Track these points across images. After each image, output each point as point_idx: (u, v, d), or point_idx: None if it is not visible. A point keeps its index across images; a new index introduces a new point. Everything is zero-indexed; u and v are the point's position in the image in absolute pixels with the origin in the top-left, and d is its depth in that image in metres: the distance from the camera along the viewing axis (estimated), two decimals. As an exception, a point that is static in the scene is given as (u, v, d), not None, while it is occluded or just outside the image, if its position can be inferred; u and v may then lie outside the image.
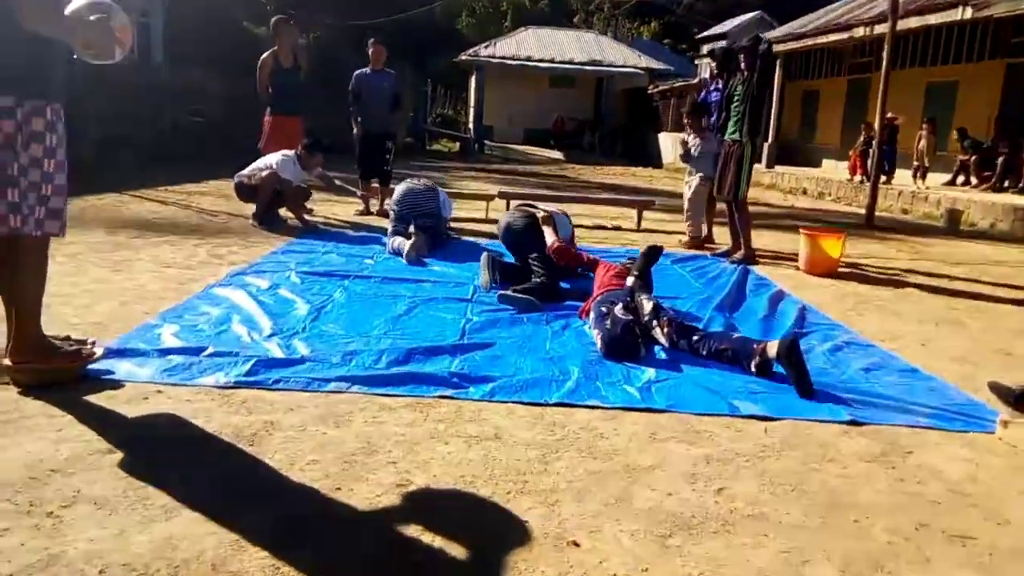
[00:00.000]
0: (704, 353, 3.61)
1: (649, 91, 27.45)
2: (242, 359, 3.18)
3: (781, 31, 20.96)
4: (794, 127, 21.03)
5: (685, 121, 7.87)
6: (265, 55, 7.73)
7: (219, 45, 22.75)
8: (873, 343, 4.18)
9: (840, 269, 6.34)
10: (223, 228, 6.70)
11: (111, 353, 3.11)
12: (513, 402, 2.98)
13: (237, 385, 2.93)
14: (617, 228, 8.52)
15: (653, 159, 25.11)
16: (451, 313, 4.24)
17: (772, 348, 3.38)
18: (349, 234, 6.93)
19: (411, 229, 5.99)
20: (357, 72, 8.34)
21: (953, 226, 10.56)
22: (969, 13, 11.13)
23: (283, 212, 7.11)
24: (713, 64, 7.67)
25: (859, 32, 14.18)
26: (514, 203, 6.30)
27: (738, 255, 6.63)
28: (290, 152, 7.00)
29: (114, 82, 14.19)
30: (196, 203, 8.24)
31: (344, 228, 7.31)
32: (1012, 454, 2.81)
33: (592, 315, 4.03)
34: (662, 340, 3.78)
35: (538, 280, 4.74)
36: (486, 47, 29.84)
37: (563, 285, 4.94)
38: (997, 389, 3.12)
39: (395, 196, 6.40)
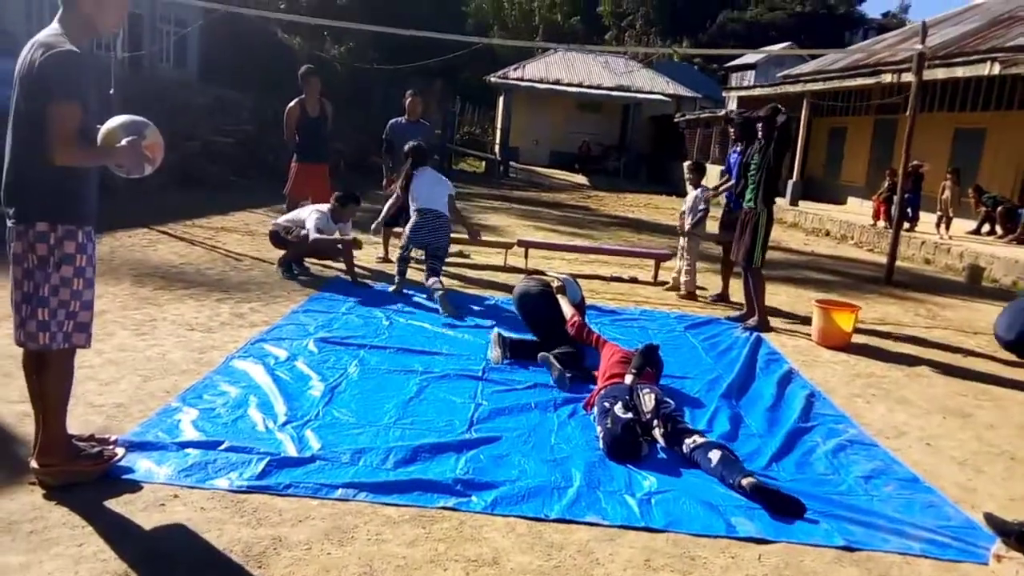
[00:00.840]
0: (693, 463, 3.66)
1: (675, 119, 27.50)
2: (255, 457, 3.30)
3: (809, 67, 20.99)
4: (820, 164, 20.99)
5: (688, 176, 8.09)
6: (292, 104, 7.92)
7: (252, 59, 23.16)
8: (877, 442, 4.23)
9: (854, 339, 6.37)
10: (246, 279, 6.86)
11: (131, 447, 3.25)
12: (514, 516, 3.07)
13: (250, 490, 3.05)
14: (634, 280, 8.58)
15: (677, 186, 25.11)
16: (460, 396, 4.34)
17: (746, 485, 3.39)
18: (369, 286, 7.04)
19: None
20: (392, 121, 8.41)
21: (974, 282, 10.51)
22: (997, 69, 11.11)
23: (308, 260, 7.28)
24: (731, 128, 7.78)
25: (886, 78, 14.16)
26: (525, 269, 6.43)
27: (751, 322, 6.68)
28: (324, 207, 7.12)
29: (146, 101, 14.56)
30: (222, 243, 8.43)
31: (366, 277, 7.43)
32: (1001, 594, 2.85)
33: (596, 409, 4.12)
34: (659, 440, 3.85)
35: (567, 350, 4.92)
36: (515, 69, 30.10)
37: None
38: (995, 524, 3.16)
39: (411, 225, 6.76)
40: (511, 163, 27.71)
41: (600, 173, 28.01)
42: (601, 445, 3.79)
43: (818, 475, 3.74)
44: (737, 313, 7.06)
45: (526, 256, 8.79)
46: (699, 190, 7.90)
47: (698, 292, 8.06)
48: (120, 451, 3.12)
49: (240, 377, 4.33)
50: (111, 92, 9.94)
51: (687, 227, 7.84)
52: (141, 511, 2.82)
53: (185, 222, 9.55)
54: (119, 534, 2.65)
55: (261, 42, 21.47)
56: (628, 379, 4.16)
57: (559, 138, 31.18)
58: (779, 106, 6.70)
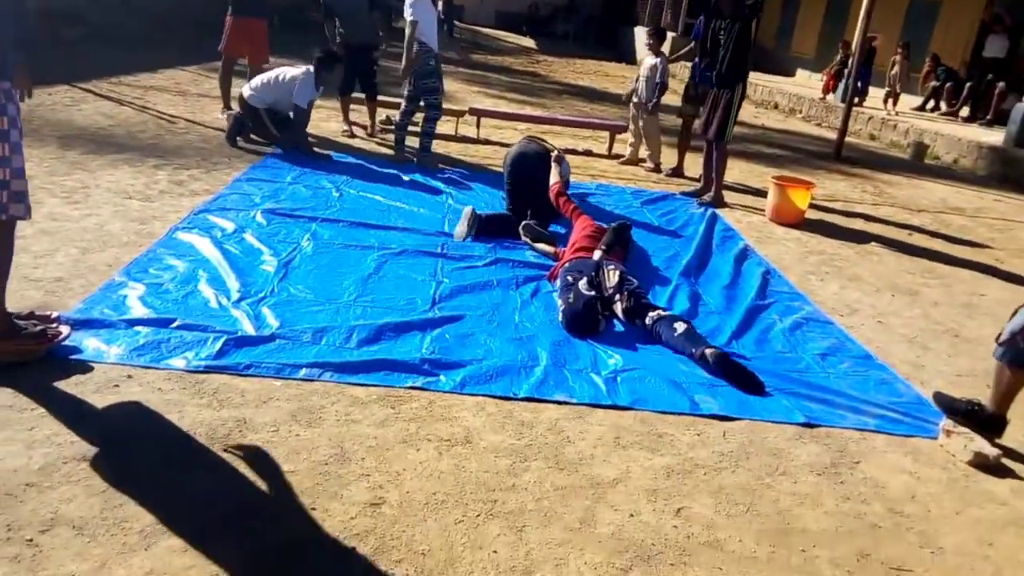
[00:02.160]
0: (655, 336, 3.70)
1: (627, -20, 26.41)
2: (212, 336, 3.16)
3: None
4: (771, 35, 20.59)
5: (647, 42, 7.75)
6: (227, -51, 7.22)
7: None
8: (832, 320, 4.31)
9: (807, 215, 6.42)
10: (182, 143, 6.44)
11: (75, 325, 3.06)
12: (483, 395, 3.04)
13: (208, 370, 2.93)
14: (588, 153, 8.40)
15: (627, 54, 24.46)
16: (421, 273, 4.23)
17: (709, 355, 3.45)
18: (318, 157, 6.70)
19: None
20: None
21: (918, 159, 10.66)
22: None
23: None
24: None
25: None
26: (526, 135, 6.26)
27: (707, 197, 6.65)
28: (308, 68, 6.56)
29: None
30: (153, 104, 7.86)
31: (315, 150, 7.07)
32: (951, 467, 2.98)
33: (559, 282, 4.07)
34: (620, 315, 3.85)
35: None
36: (459, -82, 28.14)
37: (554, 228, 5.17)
38: (943, 402, 3.27)
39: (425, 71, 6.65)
40: (455, 23, 26.42)
41: (549, 36, 27.01)
42: (560, 318, 3.78)
43: (776, 352, 3.81)
44: (692, 188, 7.01)
45: (478, 125, 8.48)
46: (658, 59, 7.62)
47: (645, 165, 7.96)
48: (64, 329, 2.93)
49: (186, 250, 4.10)
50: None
51: (648, 101, 7.59)
52: (94, 392, 2.68)
53: (110, 79, 8.84)
54: (73, 417, 2.53)
55: None
56: (596, 255, 4.09)
57: (506, -3, 29.77)
58: None
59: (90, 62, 9.65)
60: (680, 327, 3.67)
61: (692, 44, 7.36)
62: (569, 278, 4.00)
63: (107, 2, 13.68)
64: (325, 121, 8.12)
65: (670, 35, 21.99)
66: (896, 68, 13.21)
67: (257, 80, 6.66)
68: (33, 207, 4.31)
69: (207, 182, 5.42)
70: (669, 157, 7.93)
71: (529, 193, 5.22)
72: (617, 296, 3.89)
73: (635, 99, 7.77)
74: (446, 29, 24.40)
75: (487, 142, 8.25)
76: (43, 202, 4.52)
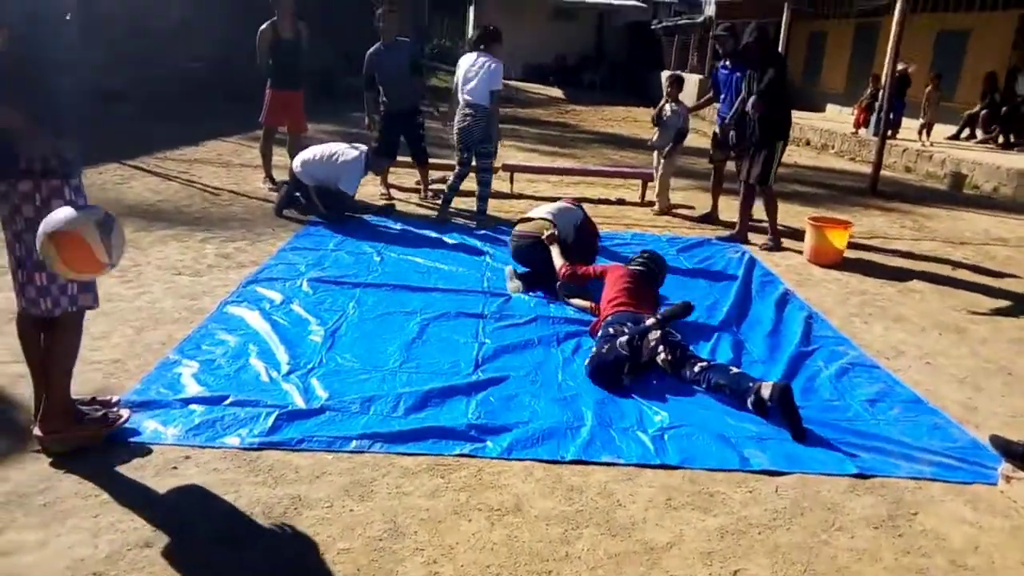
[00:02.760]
0: (704, 387, 3.71)
1: (652, 27, 26.80)
2: (264, 411, 3.24)
3: (789, -32, 20.34)
4: (798, 71, 20.65)
5: (667, 89, 7.87)
6: (264, 26, 7.52)
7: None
8: (878, 363, 4.26)
9: (846, 254, 6.37)
10: (227, 215, 6.67)
11: (134, 407, 3.17)
12: (531, 460, 3.07)
13: (262, 447, 3.00)
14: (621, 202, 8.48)
15: (655, 98, 24.64)
16: (463, 335, 4.29)
17: (766, 389, 3.47)
18: (357, 221, 6.88)
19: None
20: (370, 52, 7.40)
21: (956, 189, 10.52)
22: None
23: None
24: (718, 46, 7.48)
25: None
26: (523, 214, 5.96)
27: (767, 241, 6.68)
28: (360, 155, 6.73)
29: (110, 27, 13.84)
30: (198, 177, 8.16)
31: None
32: (1013, 514, 2.91)
33: (600, 333, 4.11)
34: (664, 366, 3.85)
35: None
36: (485, -24, 28.95)
37: None
38: (1000, 445, 3.20)
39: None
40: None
41: (576, 85, 27.39)
42: (587, 362, 3.86)
43: (824, 401, 3.77)
44: (727, 232, 7.02)
45: (511, 180, 8.62)
46: (679, 106, 7.77)
47: (684, 211, 8.01)
48: (124, 412, 3.04)
49: (237, 324, 4.23)
50: (67, 18, 9.40)
51: (665, 146, 7.78)
52: (153, 476, 2.76)
53: (156, 155, 9.21)
54: (134, 501, 2.61)
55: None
56: (650, 321, 4.04)
57: (533, 49, 30.27)
58: (765, 27, 6.55)
59: (138, 138, 10.07)
60: (733, 369, 3.76)
61: (710, 93, 7.49)
62: (611, 330, 4.02)
63: (154, 76, 14.28)
64: (363, 185, 8.31)
65: (696, 78, 22.23)
66: (927, 98, 13.13)
67: (309, 154, 6.77)
68: (89, 288, 4.55)
69: (253, 253, 5.59)
70: (703, 201, 7.96)
71: (546, 274, 5.15)
72: (661, 348, 3.89)
73: (651, 144, 7.93)
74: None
75: (520, 196, 8.37)
76: (99, 282, 4.68)
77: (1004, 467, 3.14)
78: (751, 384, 3.56)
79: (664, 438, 3.28)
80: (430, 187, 8.08)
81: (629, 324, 4.03)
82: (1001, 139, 12.78)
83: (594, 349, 3.96)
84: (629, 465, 3.06)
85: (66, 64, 2.78)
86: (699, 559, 2.52)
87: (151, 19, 16.40)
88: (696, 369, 3.76)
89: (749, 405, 3.52)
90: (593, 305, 4.70)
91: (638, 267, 4.77)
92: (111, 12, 13.62)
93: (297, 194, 6.79)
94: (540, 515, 2.70)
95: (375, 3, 7.90)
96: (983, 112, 12.93)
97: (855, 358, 4.32)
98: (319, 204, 6.68)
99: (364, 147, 6.80)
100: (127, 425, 3.02)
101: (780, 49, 16.59)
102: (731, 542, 2.62)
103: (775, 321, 4.84)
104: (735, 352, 4.31)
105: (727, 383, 3.63)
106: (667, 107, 7.79)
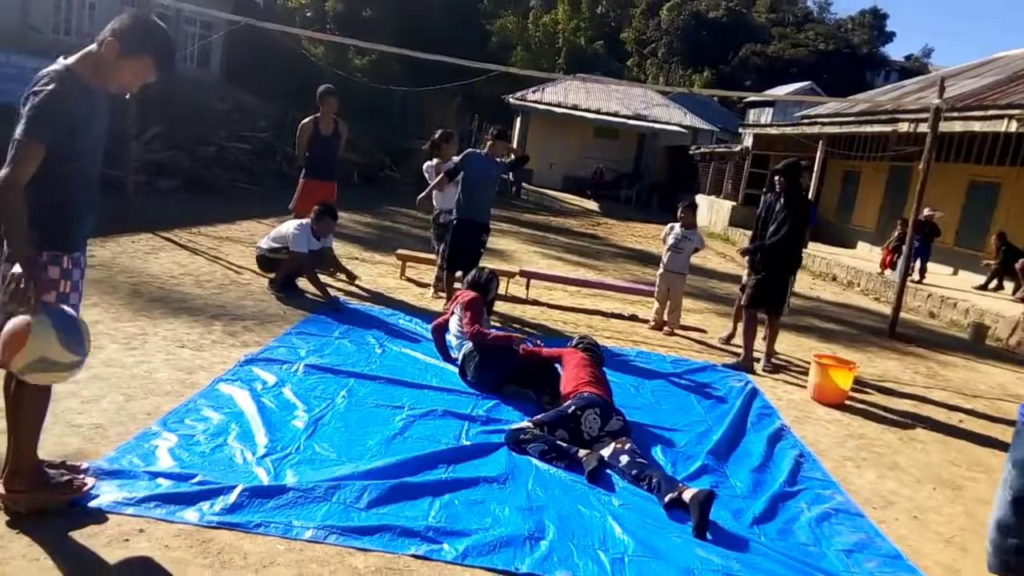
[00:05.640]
0: (633, 474, 3.98)
1: (691, 151, 27.53)
2: (227, 490, 3.26)
3: (827, 108, 20.97)
4: (832, 207, 20.94)
5: (680, 214, 8.10)
6: (306, 121, 7.95)
7: (274, 66, 23.32)
8: (863, 512, 4.15)
9: (851, 395, 6.30)
10: (244, 294, 6.85)
11: (103, 474, 3.21)
12: (484, 568, 3.02)
13: (220, 525, 3.01)
14: (634, 318, 8.54)
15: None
16: (446, 436, 4.29)
17: (688, 494, 3.68)
18: (371, 312, 7.03)
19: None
20: (471, 151, 7.65)
21: (978, 341, 10.41)
22: (1014, 127, 11.05)
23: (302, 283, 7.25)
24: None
25: (903, 127, 14.13)
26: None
27: (765, 364, 6.83)
28: (304, 221, 7.18)
29: (166, 103, 14.64)
30: (225, 254, 8.43)
31: (366, 302, 7.42)
32: None
33: (569, 404, 4.48)
34: (605, 453, 4.12)
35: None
36: (534, 91, 30.23)
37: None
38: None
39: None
40: (523, 184, 27.75)
41: (612, 200, 28.04)
42: (534, 420, 4.40)
43: (799, 544, 3.67)
44: (734, 360, 7.00)
45: (527, 287, 8.76)
46: (694, 231, 8.06)
47: (696, 334, 8.04)
48: (90, 481, 3.08)
49: (224, 402, 4.29)
50: (127, 97, 9.99)
51: (683, 271, 8.09)
52: (104, 545, 2.78)
53: (191, 229, 9.57)
54: (79, 571, 2.61)
55: (284, 50, 21.60)
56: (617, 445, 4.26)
57: (574, 163, 31.25)
58: (801, 161, 6.85)
59: (176, 212, 10.49)
60: (667, 474, 4.05)
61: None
62: (575, 410, 4.40)
63: (202, 154, 14.96)
64: (382, 277, 8.51)
65: (730, 204, 22.63)
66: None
67: (268, 237, 7.33)
68: (93, 351, 4.65)
69: (259, 334, 5.71)
70: (717, 324, 7.99)
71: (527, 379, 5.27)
72: (608, 438, 4.29)
73: (663, 269, 8.08)
74: (514, 190, 25.64)
75: (535, 303, 8.49)
76: (104, 347, 4.84)
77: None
78: (679, 484, 3.84)
79: (624, 561, 3.21)
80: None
81: (596, 411, 4.40)
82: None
83: (541, 416, 4.45)
84: (583, 588, 3.00)
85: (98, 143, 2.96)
86: None
87: (209, 100, 17.33)
88: (637, 460, 4.06)
89: (664, 500, 3.74)
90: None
91: (588, 352, 5.13)
92: (172, 88, 14.43)
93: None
94: (480, 631, 2.64)
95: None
96: (1020, 263, 12.76)
97: (840, 504, 4.22)
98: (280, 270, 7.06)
99: (306, 221, 7.20)
100: (91, 491, 3.06)
101: (813, 183, 16.94)
102: None
103: (764, 456, 4.76)
104: (716, 483, 4.23)
105: (660, 478, 3.90)
106: (679, 230, 8.04)
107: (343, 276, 7.84)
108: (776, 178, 6.82)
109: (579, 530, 3.42)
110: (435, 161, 8.28)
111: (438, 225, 8.20)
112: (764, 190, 7.24)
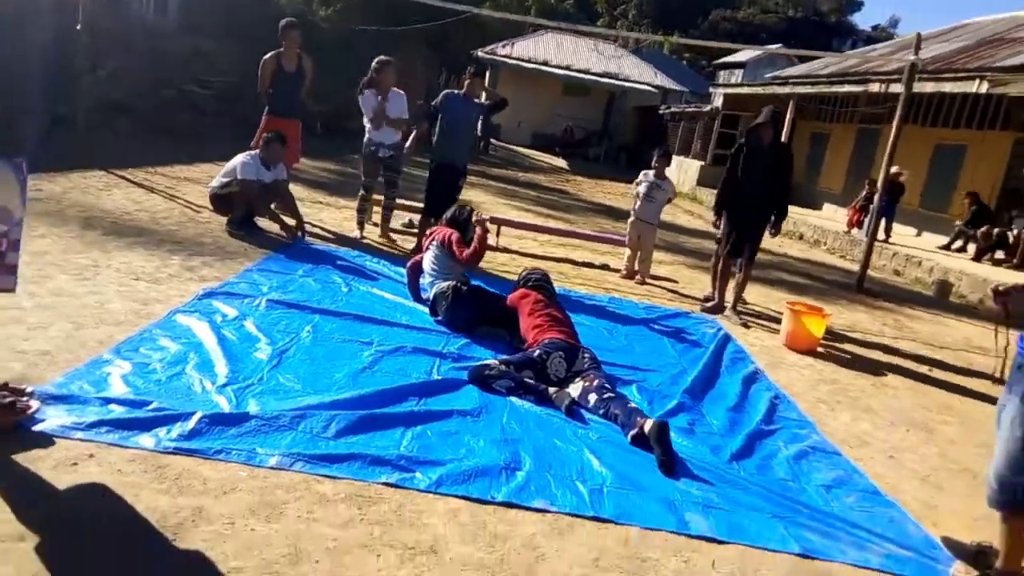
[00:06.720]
0: (600, 413, 3.89)
1: (660, 110, 27.35)
2: (185, 416, 3.06)
3: (797, 71, 20.90)
4: (800, 168, 20.94)
5: (654, 163, 7.94)
6: (268, 56, 7.57)
7: (236, 11, 22.47)
8: (840, 451, 4.10)
9: (822, 344, 6.27)
10: (203, 231, 6.56)
11: (50, 399, 2.99)
12: (459, 496, 2.89)
13: (176, 451, 2.82)
14: (605, 267, 8.41)
15: (656, 179, 25.02)
16: (417, 370, 4.13)
17: (647, 425, 3.59)
18: (336, 252, 6.79)
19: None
20: (447, 92, 7.28)
21: (942, 297, 10.51)
22: (985, 88, 11.05)
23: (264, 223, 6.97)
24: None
25: (874, 87, 14.10)
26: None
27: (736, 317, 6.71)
28: (254, 152, 6.87)
29: (122, 45, 14.00)
30: (183, 194, 8.08)
31: (331, 243, 7.18)
32: (960, 617, 2.73)
33: (535, 351, 4.35)
34: (574, 393, 4.03)
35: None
36: (504, 46, 29.67)
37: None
38: (952, 546, 3.04)
39: None
40: (492, 140, 27.34)
41: (581, 158, 27.79)
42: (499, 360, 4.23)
43: (778, 479, 3.61)
44: (705, 303, 6.98)
45: (498, 235, 8.56)
46: (664, 181, 7.92)
47: (667, 283, 7.95)
48: (35, 404, 2.86)
49: (182, 333, 4.07)
50: (77, 27, 9.49)
51: (654, 219, 7.95)
52: (50, 469, 2.57)
53: (148, 169, 9.15)
54: (21, 494, 2.41)
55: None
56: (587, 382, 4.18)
57: (543, 120, 30.85)
58: (776, 110, 6.69)
59: (132, 151, 10.04)
60: (631, 403, 3.94)
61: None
62: (539, 354, 4.29)
63: (165, 96, 14.38)
64: (348, 220, 8.25)
65: (699, 163, 22.57)
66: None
67: (218, 175, 6.95)
68: (39, 280, 4.41)
69: (218, 270, 5.46)
70: (686, 276, 7.90)
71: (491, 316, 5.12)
72: (578, 377, 4.19)
73: (634, 217, 7.94)
74: (482, 145, 25.25)
75: (506, 250, 8.31)
76: (52, 277, 4.56)
77: (956, 567, 2.97)
78: (638, 419, 3.70)
79: (603, 492, 3.11)
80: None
81: (561, 355, 4.28)
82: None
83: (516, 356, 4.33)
84: (561, 514, 2.89)
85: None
86: (617, 624, 2.33)
87: (167, 45, 16.65)
88: (604, 397, 3.96)
89: (628, 437, 3.63)
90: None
91: (539, 289, 4.98)
92: (127, 31, 13.81)
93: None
94: (456, 559, 2.51)
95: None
96: (983, 229, 12.84)
97: (816, 443, 4.16)
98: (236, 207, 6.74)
99: (255, 151, 6.89)
100: (37, 415, 2.84)
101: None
102: (655, 611, 2.43)
103: (740, 397, 4.70)
104: (692, 422, 4.15)
105: (620, 413, 3.81)
106: (655, 180, 7.89)
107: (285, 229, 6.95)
108: (758, 130, 6.61)
109: (556, 462, 3.31)
110: (372, 91, 7.41)
111: (371, 159, 7.52)
112: (741, 140, 7.01)
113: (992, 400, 5.53)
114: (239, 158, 6.78)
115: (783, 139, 6.62)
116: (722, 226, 6.93)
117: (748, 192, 6.62)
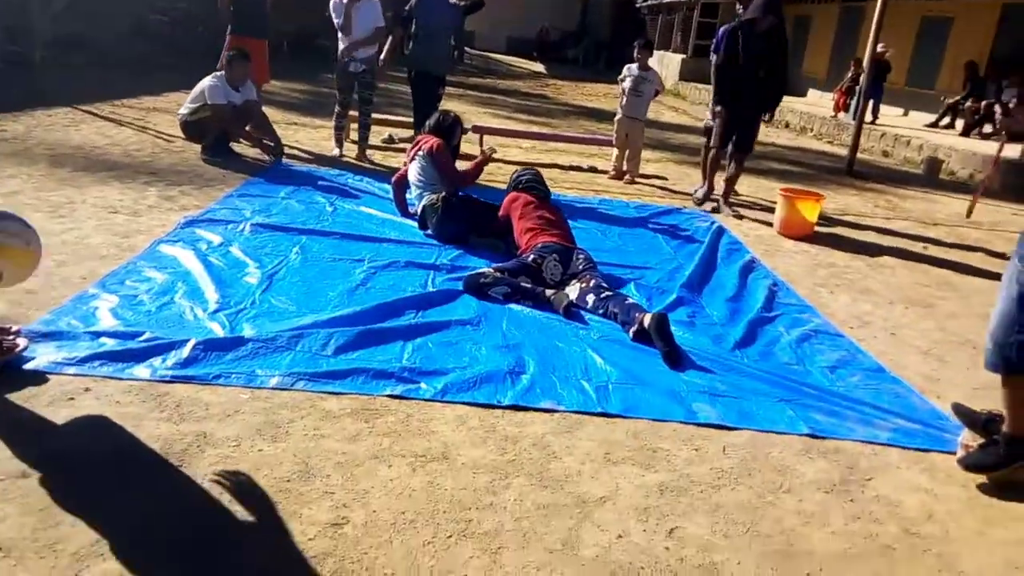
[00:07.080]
0: (600, 313, 3.87)
1: (637, 5, 26.51)
2: (179, 344, 2.99)
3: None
4: (782, 54, 20.47)
5: (636, 54, 7.64)
6: (226, -32, 7.20)
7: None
8: (842, 332, 4.09)
9: (816, 229, 6.22)
10: (178, 161, 6.35)
11: (38, 337, 2.91)
12: (466, 403, 2.86)
13: (174, 379, 2.77)
14: (592, 169, 8.26)
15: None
16: (411, 284, 4.06)
17: (646, 319, 3.56)
18: (317, 172, 6.62)
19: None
20: None
21: (932, 175, 10.43)
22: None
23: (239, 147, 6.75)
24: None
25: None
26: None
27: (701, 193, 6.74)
28: (219, 73, 6.56)
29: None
30: (153, 124, 7.81)
31: (310, 164, 6.99)
32: (971, 483, 2.75)
33: (528, 256, 4.29)
34: (572, 295, 3.96)
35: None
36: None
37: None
38: (963, 414, 3.04)
39: None
40: (466, 48, 26.54)
41: (558, 61, 27.11)
42: (494, 267, 4.16)
43: (782, 364, 3.60)
44: (700, 194, 6.89)
45: (480, 143, 8.34)
46: (649, 72, 7.66)
47: (657, 181, 7.82)
48: (22, 342, 2.78)
49: (168, 262, 3.96)
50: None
51: (642, 116, 7.77)
52: (46, 406, 2.52)
53: (113, 102, 8.83)
54: (19, 430, 2.36)
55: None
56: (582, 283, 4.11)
57: (517, 23, 29.91)
58: None
59: (95, 86, 9.67)
60: (629, 299, 3.89)
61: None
62: (534, 258, 4.23)
63: (118, 29, 13.78)
64: (326, 140, 8.02)
65: (680, 57, 22.02)
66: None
67: (186, 101, 6.63)
68: (14, 221, 4.25)
69: (198, 198, 5.30)
70: (675, 172, 7.77)
71: (481, 224, 4.99)
72: (575, 280, 4.11)
73: (621, 114, 7.69)
74: (456, 54, 24.51)
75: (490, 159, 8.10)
76: (27, 216, 4.39)
77: (964, 436, 2.98)
78: (637, 315, 3.64)
79: (608, 388, 3.09)
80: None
81: (556, 257, 4.23)
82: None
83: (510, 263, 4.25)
84: (569, 412, 2.87)
85: None
86: (633, 515, 2.33)
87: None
88: (602, 296, 3.90)
89: (630, 334, 3.60)
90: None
91: (531, 190, 4.81)
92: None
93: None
94: (468, 463, 2.49)
95: None
96: (968, 103, 12.69)
97: (818, 326, 4.15)
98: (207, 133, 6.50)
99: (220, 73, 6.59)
100: (26, 354, 2.77)
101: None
102: (670, 499, 2.43)
103: (738, 287, 4.66)
104: (692, 314, 4.12)
105: (619, 311, 3.76)
106: (639, 73, 7.63)
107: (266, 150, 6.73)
108: (764, 14, 6.24)
109: (560, 363, 3.27)
110: None
111: (343, 73, 7.13)
112: (739, 17, 6.51)
113: (988, 273, 5.55)
114: (206, 81, 6.49)
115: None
116: (719, 118, 6.64)
117: (746, 78, 6.34)
